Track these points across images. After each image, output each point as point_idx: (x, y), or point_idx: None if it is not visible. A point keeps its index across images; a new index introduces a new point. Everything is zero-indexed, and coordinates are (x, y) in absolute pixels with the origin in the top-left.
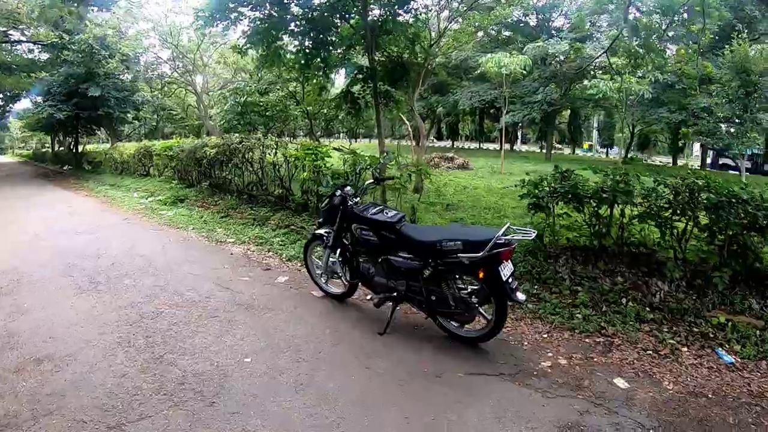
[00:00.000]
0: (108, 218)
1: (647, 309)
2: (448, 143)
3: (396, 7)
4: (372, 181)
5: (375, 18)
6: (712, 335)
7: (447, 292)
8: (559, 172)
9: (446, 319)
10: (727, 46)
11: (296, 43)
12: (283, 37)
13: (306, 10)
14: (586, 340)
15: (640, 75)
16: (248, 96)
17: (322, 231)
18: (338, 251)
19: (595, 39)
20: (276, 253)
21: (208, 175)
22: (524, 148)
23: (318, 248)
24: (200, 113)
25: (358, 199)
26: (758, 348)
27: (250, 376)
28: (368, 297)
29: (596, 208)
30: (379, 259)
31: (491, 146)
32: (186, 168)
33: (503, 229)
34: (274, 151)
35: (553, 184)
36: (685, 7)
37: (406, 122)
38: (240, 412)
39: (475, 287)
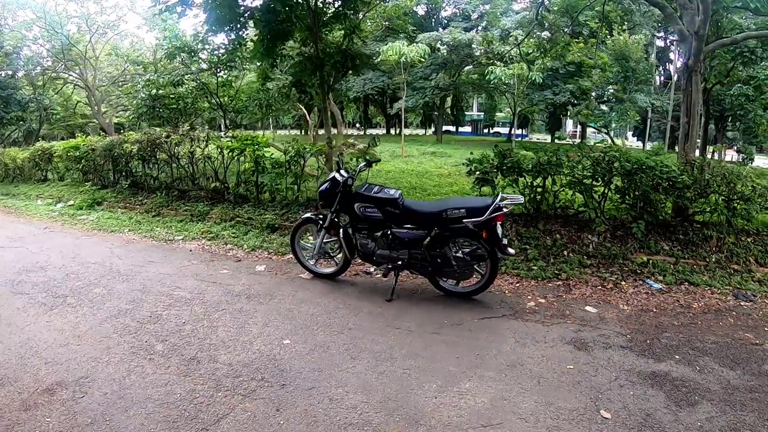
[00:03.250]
0: (25, 229)
1: (585, 257)
2: (333, 130)
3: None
4: (365, 164)
5: (320, 7)
6: (639, 271)
7: (449, 255)
8: (499, 151)
9: (443, 279)
10: (608, 36)
11: (257, 32)
12: (247, 25)
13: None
14: (549, 284)
15: (530, 61)
16: (161, 88)
17: (309, 215)
18: (340, 231)
19: (484, 28)
20: (236, 246)
21: (128, 174)
22: (407, 131)
23: (307, 232)
24: (93, 110)
25: (354, 181)
26: (675, 276)
27: (300, 356)
28: (358, 273)
29: (533, 180)
30: (379, 234)
31: (375, 132)
32: (97, 168)
33: (499, 198)
34: (204, 143)
35: (496, 161)
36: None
37: (304, 110)
38: (316, 387)
39: (472, 248)
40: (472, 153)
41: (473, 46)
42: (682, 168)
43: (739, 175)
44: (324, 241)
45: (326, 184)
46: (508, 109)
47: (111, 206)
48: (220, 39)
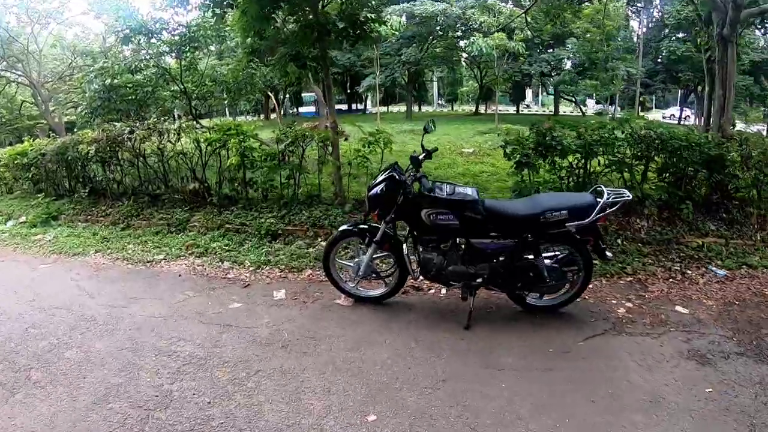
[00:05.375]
0: None
1: (641, 244)
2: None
3: None
4: (424, 154)
5: None
6: (696, 256)
7: (542, 266)
8: (538, 129)
9: (526, 293)
10: (584, 4)
11: None
12: None
13: None
14: (620, 282)
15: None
16: (116, 77)
17: (348, 226)
18: (403, 245)
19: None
20: (235, 263)
21: (87, 180)
22: (370, 110)
23: (346, 248)
24: (40, 109)
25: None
26: (732, 260)
27: None
28: (406, 290)
29: (578, 161)
30: (448, 246)
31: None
32: (50, 175)
33: (606, 194)
34: (176, 136)
35: (531, 140)
36: None
37: (270, 95)
38: None
39: (564, 254)
40: (507, 133)
41: (448, 16)
42: (722, 143)
43: None
44: (375, 257)
45: (380, 186)
46: (471, 82)
47: (70, 220)
48: (183, 18)
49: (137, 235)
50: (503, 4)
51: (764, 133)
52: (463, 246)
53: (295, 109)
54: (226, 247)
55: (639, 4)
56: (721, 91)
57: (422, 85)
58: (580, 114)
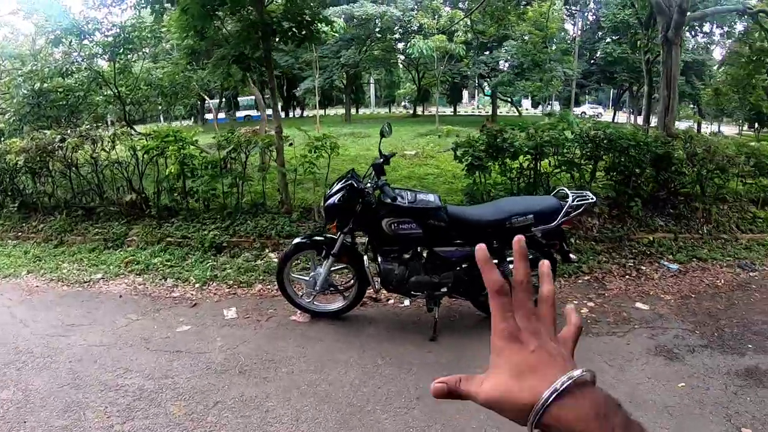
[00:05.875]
0: None
1: (594, 242)
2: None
3: None
4: (381, 160)
5: None
6: (648, 252)
7: (507, 270)
8: (489, 131)
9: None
10: (527, 7)
11: None
12: None
13: None
14: (579, 281)
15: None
16: (45, 80)
17: (301, 239)
18: (364, 257)
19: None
20: (179, 279)
21: (16, 193)
22: (309, 114)
23: (299, 262)
24: None
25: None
26: (683, 254)
27: None
28: (364, 301)
29: (531, 162)
30: (409, 255)
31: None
32: None
33: (570, 198)
34: (110, 144)
35: (481, 142)
36: None
37: (207, 98)
38: None
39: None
40: (451, 134)
41: (389, 17)
42: (668, 142)
43: (718, 147)
44: (330, 270)
45: (338, 196)
46: (408, 84)
47: None
48: (118, 18)
49: (72, 252)
50: (444, 6)
51: (695, 128)
52: (425, 255)
53: (233, 113)
54: (169, 263)
55: (574, 8)
56: (666, 91)
57: (359, 88)
58: (517, 114)
